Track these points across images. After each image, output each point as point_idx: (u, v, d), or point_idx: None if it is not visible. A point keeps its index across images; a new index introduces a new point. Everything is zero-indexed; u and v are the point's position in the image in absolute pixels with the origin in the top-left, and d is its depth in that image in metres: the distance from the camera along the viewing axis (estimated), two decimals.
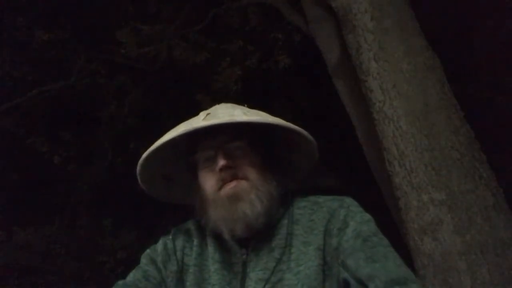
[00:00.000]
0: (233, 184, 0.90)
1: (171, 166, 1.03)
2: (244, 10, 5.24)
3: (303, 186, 1.05)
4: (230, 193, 0.90)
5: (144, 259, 0.98)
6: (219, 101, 1.04)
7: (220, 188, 0.91)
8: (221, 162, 0.90)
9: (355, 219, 0.89)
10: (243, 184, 0.91)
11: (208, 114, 0.93)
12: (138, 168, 0.96)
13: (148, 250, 1.00)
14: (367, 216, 0.91)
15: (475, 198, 2.35)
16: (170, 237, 1.01)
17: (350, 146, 4.11)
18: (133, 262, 1.02)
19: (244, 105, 0.99)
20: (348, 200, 0.94)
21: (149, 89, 5.81)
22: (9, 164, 5.99)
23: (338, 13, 2.87)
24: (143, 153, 0.96)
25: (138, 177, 0.98)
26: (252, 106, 1.00)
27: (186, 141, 0.97)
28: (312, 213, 0.93)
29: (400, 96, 2.55)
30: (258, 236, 0.92)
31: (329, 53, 3.61)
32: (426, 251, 2.39)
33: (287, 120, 0.94)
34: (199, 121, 0.91)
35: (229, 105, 0.99)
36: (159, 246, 1.00)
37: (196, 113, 0.98)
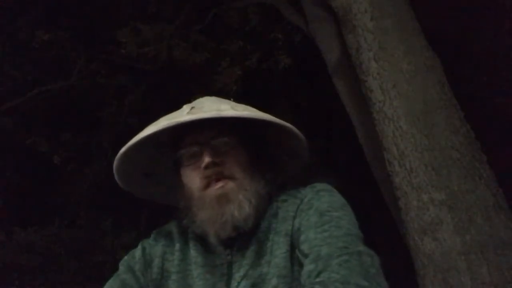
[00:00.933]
0: (220, 184, 0.86)
1: (152, 162, 0.98)
2: (244, 10, 5.24)
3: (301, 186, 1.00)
4: (218, 194, 0.85)
5: (121, 267, 0.92)
6: None
7: (205, 187, 0.86)
8: (207, 159, 0.85)
9: (321, 200, 0.86)
10: (230, 184, 0.86)
11: (192, 107, 0.88)
12: (116, 163, 0.90)
13: (126, 257, 0.94)
14: (337, 197, 0.88)
15: (475, 198, 2.35)
16: (150, 242, 0.95)
17: (350, 146, 4.11)
18: None
19: (230, 99, 0.95)
20: (320, 185, 0.91)
21: (149, 89, 5.81)
22: (9, 164, 5.99)
23: (338, 13, 2.87)
24: None
25: (115, 173, 0.92)
26: (252, 106, 0.95)
27: (169, 135, 0.91)
28: (289, 205, 0.89)
29: (400, 96, 2.55)
30: (242, 236, 0.87)
31: (329, 53, 3.61)
32: (426, 251, 2.39)
33: (287, 120, 0.91)
34: (183, 114, 0.86)
35: (214, 98, 0.94)
36: (137, 252, 0.93)
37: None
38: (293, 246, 0.84)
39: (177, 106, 0.94)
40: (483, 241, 2.27)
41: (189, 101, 0.95)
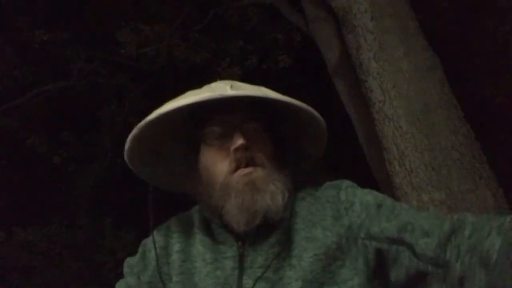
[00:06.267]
0: (248, 170, 0.79)
1: (163, 140, 0.88)
2: (244, 10, 5.24)
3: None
4: (246, 180, 0.79)
5: (126, 268, 0.89)
6: None
7: (233, 171, 0.79)
8: (239, 141, 0.78)
9: (357, 194, 0.83)
10: (259, 171, 0.80)
11: (231, 86, 0.81)
12: (134, 133, 0.81)
13: (128, 259, 0.91)
14: (366, 189, 0.86)
15: (475, 198, 2.35)
16: (148, 244, 0.89)
17: (350, 146, 4.11)
18: None
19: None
20: (344, 183, 0.87)
21: (149, 89, 5.81)
22: (9, 164, 5.99)
23: (338, 13, 2.87)
24: None
25: (127, 145, 0.83)
26: None
27: (191, 112, 0.84)
28: (311, 206, 0.84)
29: (400, 96, 2.55)
30: (256, 229, 0.80)
31: (329, 53, 3.61)
32: None
33: None
34: (225, 90, 0.78)
35: (245, 84, 0.87)
36: (138, 254, 0.89)
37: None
38: (341, 246, 0.79)
39: None
40: None
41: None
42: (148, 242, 0.89)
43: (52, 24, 5.20)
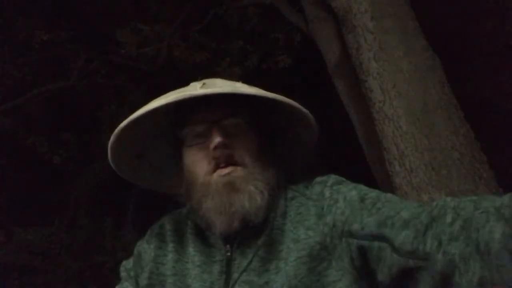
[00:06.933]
0: (227, 170, 0.77)
1: (145, 142, 0.89)
2: (244, 10, 5.24)
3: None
4: (225, 181, 0.77)
5: (123, 273, 0.90)
6: None
7: (213, 171, 0.78)
8: (217, 139, 0.76)
9: (341, 191, 0.79)
10: (239, 171, 0.78)
11: (204, 83, 0.80)
12: (112, 139, 0.81)
13: (124, 262, 0.91)
14: (353, 184, 0.82)
15: None
16: (144, 245, 0.88)
17: (350, 146, 4.11)
18: None
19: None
20: (330, 179, 0.83)
21: (149, 89, 5.81)
22: (9, 164, 5.99)
23: (338, 13, 2.87)
24: None
25: (109, 150, 0.83)
26: None
27: (172, 113, 0.84)
28: (300, 206, 0.81)
29: (400, 96, 2.55)
30: (244, 231, 0.79)
31: (329, 53, 3.61)
32: None
33: None
34: (195, 89, 0.78)
35: (223, 80, 0.86)
36: (133, 257, 0.89)
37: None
38: (326, 245, 0.75)
39: None
40: None
41: None
42: (143, 243, 0.89)
43: (52, 24, 5.20)
